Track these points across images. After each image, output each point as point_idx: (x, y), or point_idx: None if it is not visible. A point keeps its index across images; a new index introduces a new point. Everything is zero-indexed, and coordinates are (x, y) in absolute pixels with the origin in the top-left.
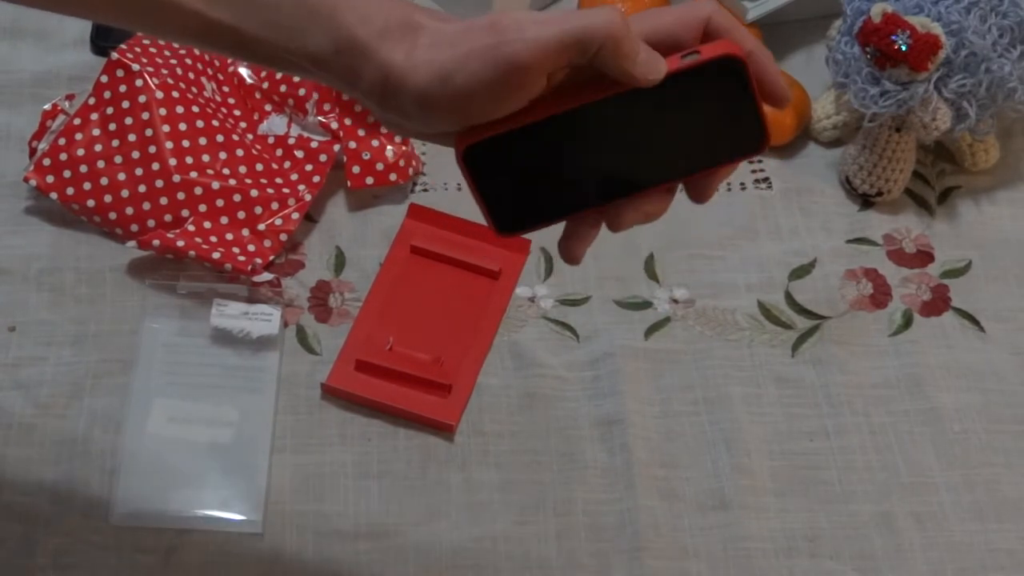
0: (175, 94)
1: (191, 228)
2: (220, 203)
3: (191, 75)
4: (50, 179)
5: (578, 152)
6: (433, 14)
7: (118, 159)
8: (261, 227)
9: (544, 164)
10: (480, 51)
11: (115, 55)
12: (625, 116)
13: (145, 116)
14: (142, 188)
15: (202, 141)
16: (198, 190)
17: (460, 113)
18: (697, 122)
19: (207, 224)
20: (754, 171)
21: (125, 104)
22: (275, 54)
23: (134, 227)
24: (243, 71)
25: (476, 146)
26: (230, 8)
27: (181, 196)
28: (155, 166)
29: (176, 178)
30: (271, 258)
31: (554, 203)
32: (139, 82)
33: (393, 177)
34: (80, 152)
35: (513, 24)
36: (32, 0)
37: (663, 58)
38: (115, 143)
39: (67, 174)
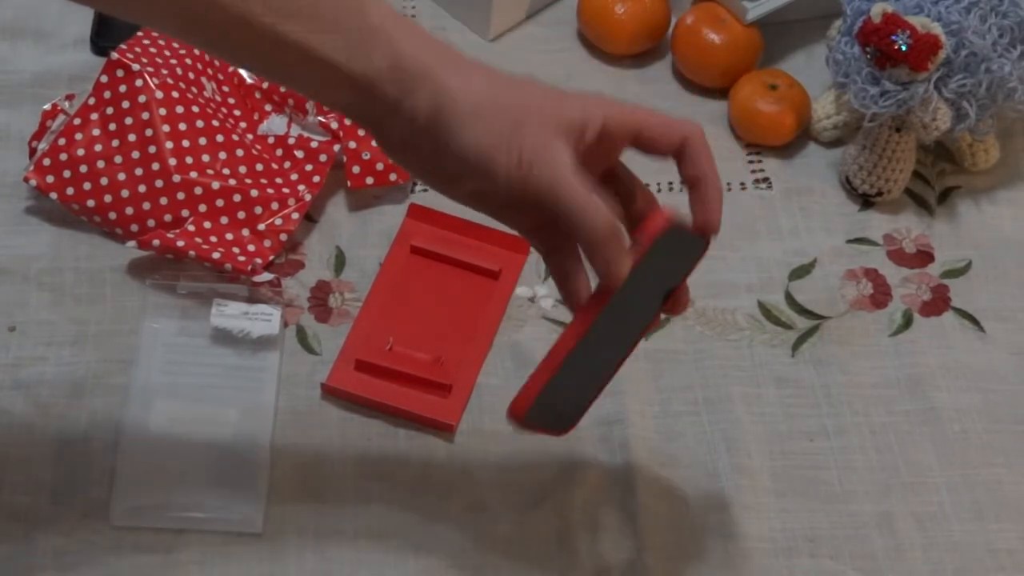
0: (175, 94)
1: (191, 228)
2: (220, 203)
3: (191, 75)
4: (50, 179)
5: (594, 355)
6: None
7: (118, 159)
8: (261, 227)
9: (573, 380)
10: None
11: (115, 55)
12: (617, 308)
13: (145, 116)
14: (142, 188)
15: (202, 141)
16: (198, 190)
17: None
18: (662, 268)
19: (207, 224)
20: (754, 171)
21: (125, 104)
22: (326, 75)
23: (134, 227)
24: (243, 71)
25: (531, 409)
26: (299, 23)
27: (181, 196)
28: (155, 166)
29: (176, 178)
30: (271, 258)
31: (582, 396)
32: (139, 82)
33: (393, 177)
34: (80, 152)
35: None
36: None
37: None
38: (115, 143)
39: (67, 174)
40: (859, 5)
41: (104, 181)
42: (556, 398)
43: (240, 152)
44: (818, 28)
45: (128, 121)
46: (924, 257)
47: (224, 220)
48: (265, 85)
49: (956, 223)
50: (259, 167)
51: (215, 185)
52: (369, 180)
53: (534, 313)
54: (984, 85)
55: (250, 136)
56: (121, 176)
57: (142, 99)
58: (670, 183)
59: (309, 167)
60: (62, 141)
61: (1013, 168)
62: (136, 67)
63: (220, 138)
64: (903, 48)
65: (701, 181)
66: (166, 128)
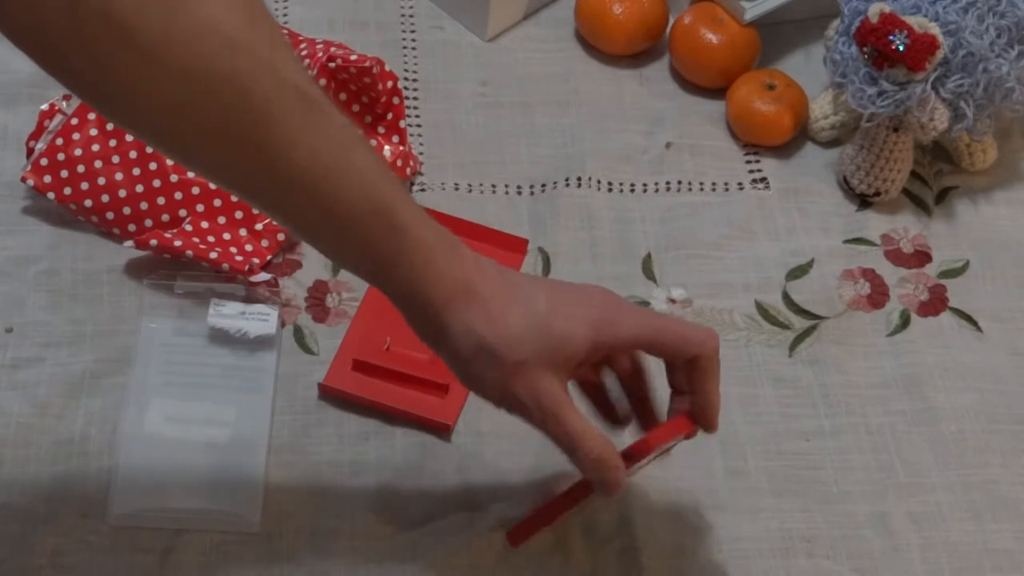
0: None
1: (188, 228)
2: (217, 203)
3: None
4: (47, 179)
5: None
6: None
7: (115, 159)
8: (258, 227)
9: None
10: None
11: None
12: None
13: None
14: (139, 188)
15: None
16: (195, 190)
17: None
18: None
19: (204, 224)
20: (751, 171)
21: None
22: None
23: (131, 227)
24: None
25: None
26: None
27: (178, 196)
28: (152, 166)
29: (173, 178)
30: (268, 258)
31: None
32: None
33: None
34: (77, 152)
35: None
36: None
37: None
38: (112, 143)
39: (64, 174)
40: (857, 5)
41: (101, 181)
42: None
43: None
44: (816, 28)
45: None
46: (922, 257)
47: (221, 220)
48: None
49: (954, 223)
50: None
51: (212, 185)
52: None
53: None
54: (982, 85)
55: None
56: (118, 176)
57: None
58: (667, 183)
59: None
60: (59, 141)
61: (1011, 168)
62: None
63: None
64: (900, 48)
65: (700, 398)
66: None
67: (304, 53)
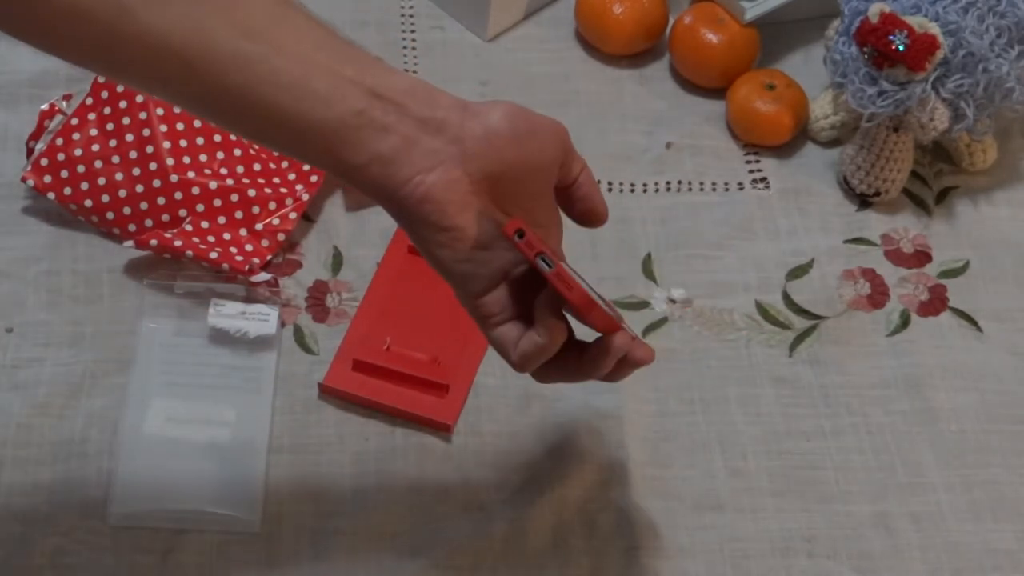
0: None
1: (189, 228)
2: (217, 203)
3: None
4: (47, 179)
5: None
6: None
7: (116, 159)
8: (259, 227)
9: None
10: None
11: None
12: None
13: (142, 116)
14: (140, 188)
15: (199, 141)
16: (195, 190)
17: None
18: None
19: (204, 224)
20: (751, 171)
21: (122, 104)
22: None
23: (132, 227)
24: None
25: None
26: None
27: (178, 196)
28: (152, 166)
29: (173, 178)
30: (268, 258)
31: None
32: None
33: None
34: (77, 152)
35: None
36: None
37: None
38: (112, 143)
39: (64, 174)
40: (857, 5)
41: (102, 181)
42: None
43: (237, 152)
44: (816, 28)
45: (125, 121)
46: (922, 257)
47: (221, 220)
48: None
49: (954, 223)
50: (256, 167)
51: (212, 185)
52: None
53: None
54: (982, 85)
55: None
56: (119, 176)
57: (139, 99)
58: (667, 183)
59: (306, 167)
60: (59, 141)
61: (1011, 168)
62: None
63: (217, 138)
64: (901, 48)
65: (589, 200)
66: (163, 128)
67: None
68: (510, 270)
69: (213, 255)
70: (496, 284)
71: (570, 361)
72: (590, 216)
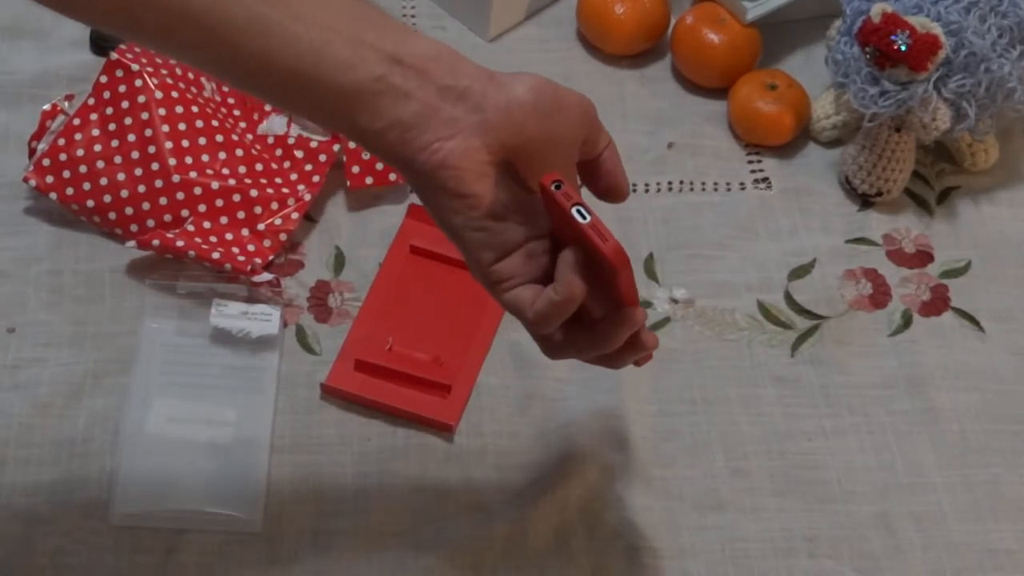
0: (175, 94)
1: (191, 228)
2: (220, 203)
3: (191, 75)
4: (49, 179)
5: None
6: None
7: (118, 159)
8: (261, 227)
9: None
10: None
11: (115, 55)
12: None
13: (145, 116)
14: (142, 188)
15: (202, 141)
16: (197, 190)
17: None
18: None
19: (207, 224)
20: (753, 171)
21: (125, 104)
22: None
23: (134, 227)
24: None
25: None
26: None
27: (180, 196)
28: (155, 166)
29: (176, 178)
30: (271, 258)
31: None
32: (139, 82)
33: (393, 177)
34: (79, 152)
35: None
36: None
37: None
38: (115, 143)
39: (66, 174)
40: (858, 5)
41: (104, 181)
42: None
43: (240, 152)
44: (817, 28)
45: (128, 121)
46: (923, 257)
47: (224, 220)
48: None
49: (956, 223)
50: (259, 167)
51: (215, 185)
52: (369, 180)
53: None
54: (983, 85)
55: (250, 136)
56: (121, 176)
57: (141, 99)
58: (669, 183)
59: (309, 167)
60: (61, 141)
61: (1012, 168)
62: (135, 67)
63: (220, 138)
64: (902, 48)
65: (612, 176)
66: (165, 128)
67: None
68: (523, 243)
69: (215, 255)
70: (508, 254)
71: (582, 335)
72: (613, 192)
